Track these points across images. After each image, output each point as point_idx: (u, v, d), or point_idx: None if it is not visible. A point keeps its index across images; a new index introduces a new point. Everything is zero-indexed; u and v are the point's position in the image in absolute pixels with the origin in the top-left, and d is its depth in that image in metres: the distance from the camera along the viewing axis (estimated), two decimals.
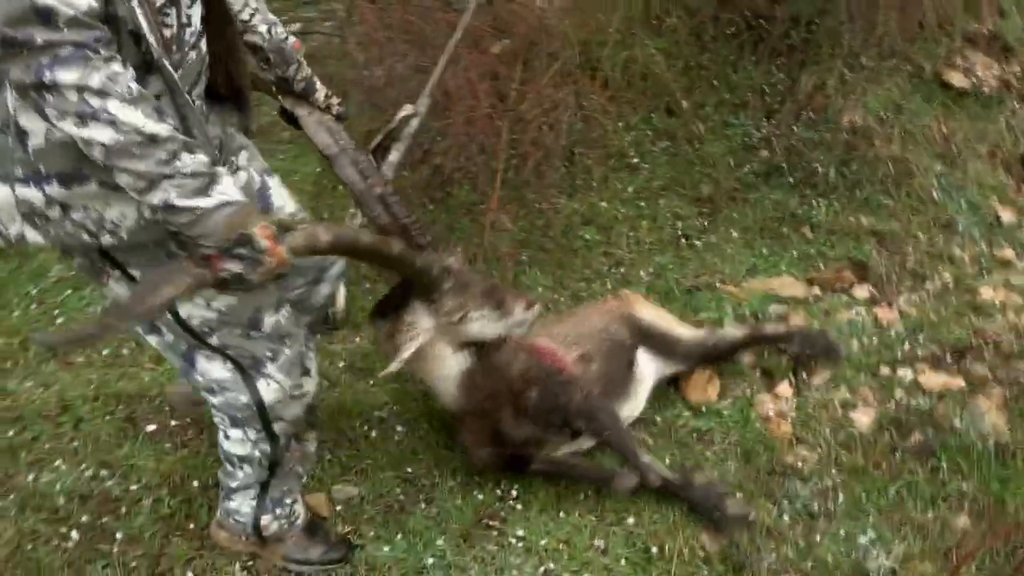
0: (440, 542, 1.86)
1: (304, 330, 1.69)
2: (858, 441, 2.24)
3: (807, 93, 3.61)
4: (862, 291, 2.92)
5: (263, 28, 1.63)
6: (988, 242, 3.06)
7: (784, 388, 2.50)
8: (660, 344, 2.36)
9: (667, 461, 2.19)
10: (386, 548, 1.82)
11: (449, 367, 1.90)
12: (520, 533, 1.95)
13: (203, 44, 1.43)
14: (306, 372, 1.63)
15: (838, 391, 2.46)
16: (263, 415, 1.57)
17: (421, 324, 1.80)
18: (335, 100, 1.84)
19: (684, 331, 2.45)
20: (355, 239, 1.55)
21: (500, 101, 3.18)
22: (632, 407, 2.28)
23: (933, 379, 2.38)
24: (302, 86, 1.76)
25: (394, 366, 1.75)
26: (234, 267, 1.25)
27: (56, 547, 1.68)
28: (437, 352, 1.86)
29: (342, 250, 1.61)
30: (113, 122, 1.15)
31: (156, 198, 1.22)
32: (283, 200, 1.80)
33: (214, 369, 1.53)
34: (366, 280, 2.79)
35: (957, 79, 3.54)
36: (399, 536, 1.87)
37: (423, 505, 1.99)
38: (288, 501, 1.78)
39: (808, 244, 3.16)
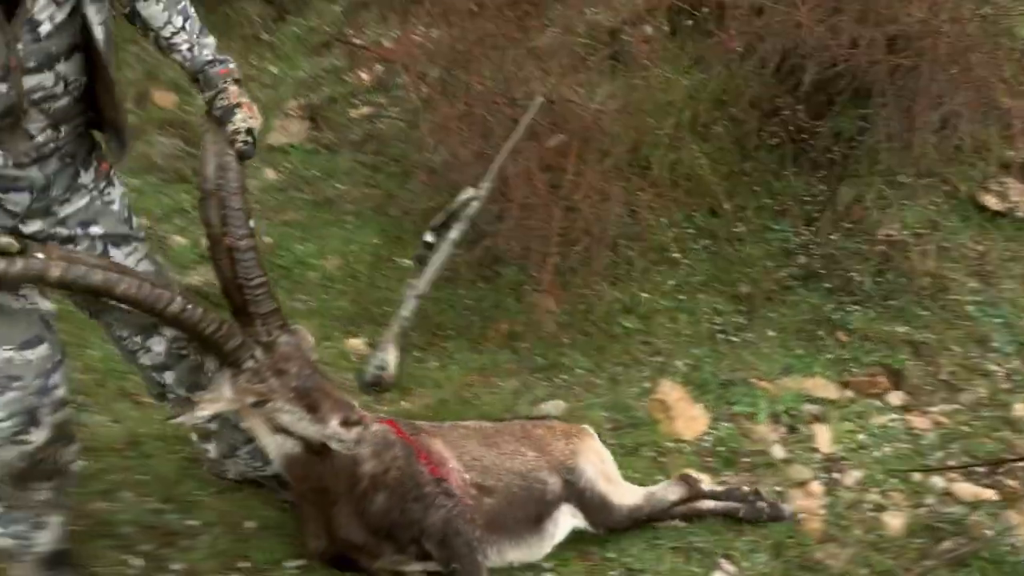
0: None
1: (56, 382, 1.64)
2: (889, 544, 2.27)
3: (846, 205, 3.78)
4: (895, 398, 2.98)
5: (184, 48, 1.68)
6: (1022, 359, 3.12)
7: (815, 486, 2.55)
8: (592, 507, 2.20)
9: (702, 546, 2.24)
10: None
11: (268, 445, 1.76)
12: None
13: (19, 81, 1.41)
14: (34, 423, 1.60)
15: (869, 493, 2.50)
16: None
17: (221, 390, 1.66)
18: (241, 137, 1.67)
19: (622, 497, 2.26)
20: (107, 285, 1.45)
21: (553, 190, 3.39)
22: (522, 554, 2.12)
23: (965, 489, 2.42)
24: (219, 113, 1.68)
25: (183, 420, 1.66)
26: None
27: (120, 572, 1.79)
28: (252, 425, 1.74)
29: (83, 290, 1.49)
30: None
31: None
32: (130, 256, 1.77)
33: None
34: (417, 348, 2.94)
35: (992, 202, 3.68)
36: None
37: None
38: (23, 526, 1.72)
39: (843, 348, 3.24)
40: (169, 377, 1.89)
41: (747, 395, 3.01)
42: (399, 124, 4.17)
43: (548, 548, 2.17)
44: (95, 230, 1.71)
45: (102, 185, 1.74)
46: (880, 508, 2.42)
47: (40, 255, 1.41)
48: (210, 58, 1.72)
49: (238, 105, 1.67)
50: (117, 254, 1.75)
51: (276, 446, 1.73)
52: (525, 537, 2.10)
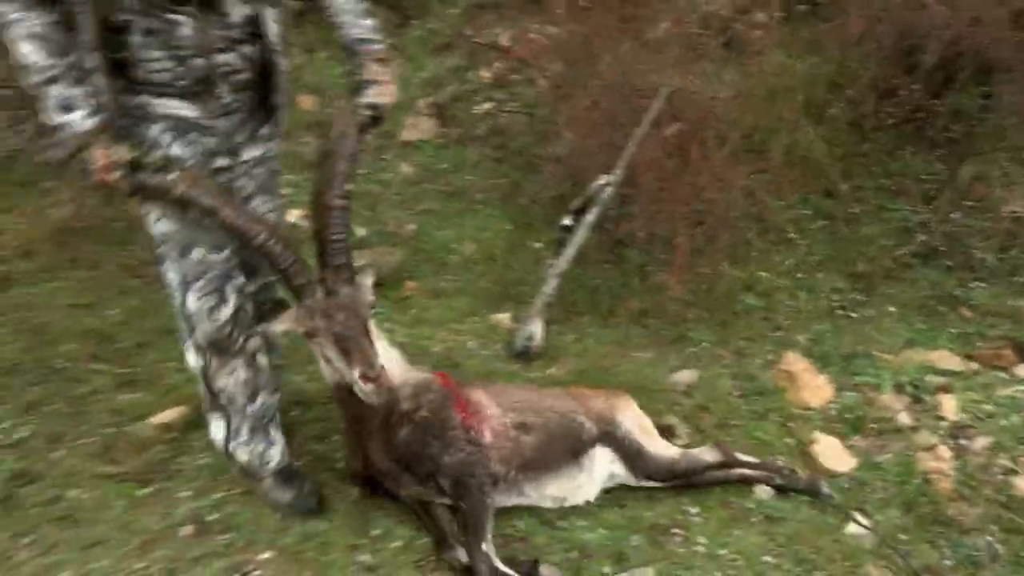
0: (635, 538, 2.20)
1: (236, 275, 2.02)
2: (1020, 504, 2.39)
3: (967, 183, 3.82)
4: (1022, 370, 3.04)
5: (343, 24, 1.96)
6: None
7: (944, 450, 2.68)
8: (629, 454, 2.36)
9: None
10: (590, 535, 2.18)
11: (322, 368, 1.98)
12: (702, 541, 2.25)
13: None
14: (223, 301, 1.99)
15: (999, 458, 2.61)
16: (188, 322, 1.99)
17: (289, 314, 1.90)
18: (363, 110, 1.95)
19: (658, 449, 2.42)
20: (212, 208, 1.75)
21: (676, 176, 3.58)
22: (560, 487, 2.28)
23: None
24: (354, 86, 1.98)
25: (265, 327, 1.96)
26: (76, 167, 1.69)
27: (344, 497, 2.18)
28: (312, 349, 1.95)
29: (198, 208, 1.78)
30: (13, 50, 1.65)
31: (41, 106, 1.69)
32: (261, 212, 2.09)
33: (167, 274, 1.97)
34: (555, 323, 3.21)
35: None
36: (600, 528, 2.22)
37: (617, 508, 2.33)
38: (258, 442, 2.09)
39: (966, 323, 3.31)
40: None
41: (870, 367, 3.13)
42: (520, 118, 4.45)
43: (586, 486, 2.31)
44: (257, 172, 2.07)
45: (272, 142, 2.10)
46: (1011, 472, 2.52)
47: (173, 176, 1.76)
48: (360, 36, 1.97)
49: (373, 81, 1.96)
50: (258, 201, 2.10)
51: (326, 372, 1.98)
52: (563, 469, 2.27)
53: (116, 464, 2.13)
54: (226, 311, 2.01)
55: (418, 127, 4.53)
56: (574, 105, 3.60)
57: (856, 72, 4.09)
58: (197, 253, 1.95)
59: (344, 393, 1.94)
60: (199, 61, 1.81)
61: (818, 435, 2.75)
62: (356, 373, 1.82)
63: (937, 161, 3.95)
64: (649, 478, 2.40)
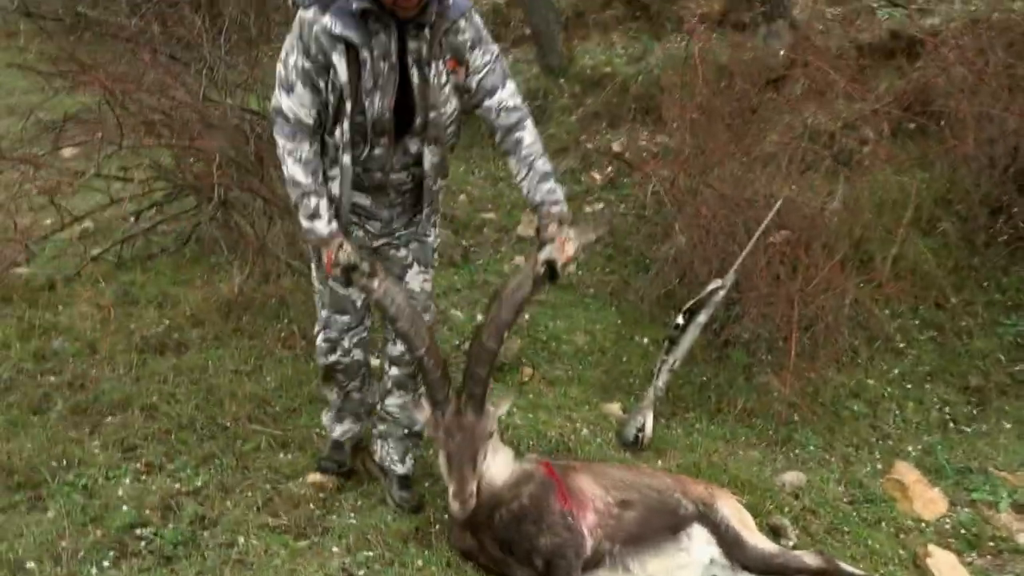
0: None
1: (358, 330, 2.50)
2: None
3: None
4: None
5: (524, 186, 2.28)
6: None
7: None
8: (727, 540, 2.44)
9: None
10: None
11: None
12: None
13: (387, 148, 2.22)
14: (333, 350, 2.49)
15: None
16: (318, 345, 2.54)
17: (420, 412, 2.31)
18: (539, 268, 2.20)
19: (756, 540, 2.48)
20: (393, 316, 2.17)
21: (782, 283, 3.72)
22: (662, 566, 2.38)
23: None
24: (538, 243, 2.27)
25: (412, 409, 2.41)
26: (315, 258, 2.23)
27: None
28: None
29: (380, 309, 2.24)
30: (284, 168, 2.16)
31: (297, 213, 2.19)
32: (414, 285, 2.48)
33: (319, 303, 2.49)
34: (663, 417, 3.35)
35: None
36: None
37: None
38: (330, 417, 2.63)
39: None
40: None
41: (986, 483, 3.11)
42: (630, 219, 4.73)
43: (687, 567, 2.40)
44: (412, 246, 2.48)
45: (428, 225, 2.49)
46: None
47: (377, 281, 2.19)
48: (545, 198, 2.27)
49: (552, 240, 2.23)
50: (414, 271, 2.50)
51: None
52: (663, 545, 2.39)
53: (276, 517, 2.40)
54: (334, 357, 2.52)
55: (534, 223, 4.84)
56: (686, 211, 3.84)
57: (967, 189, 4.19)
58: (326, 312, 2.49)
59: None
60: (379, 175, 2.30)
61: (933, 548, 2.75)
62: (450, 490, 2.16)
63: None
64: (745, 568, 2.46)
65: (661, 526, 2.43)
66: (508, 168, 2.34)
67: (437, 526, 2.47)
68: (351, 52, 2.07)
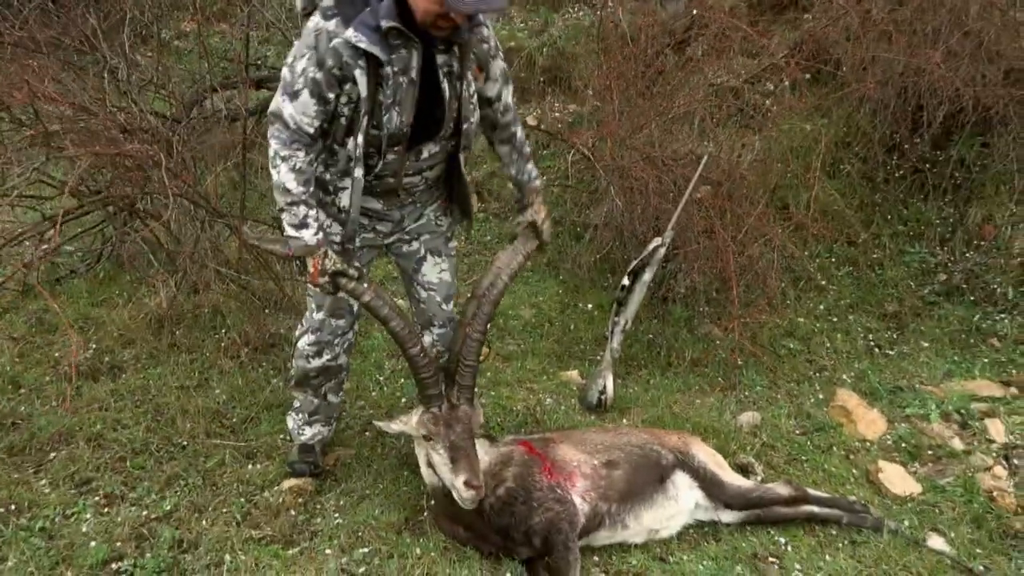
0: (738, 567, 2.38)
1: (342, 340, 2.47)
2: None
3: (977, 224, 4.16)
4: None
5: (515, 171, 2.41)
6: None
7: (999, 470, 2.90)
8: (705, 479, 2.56)
9: (906, 523, 2.62)
10: (699, 566, 2.36)
11: (422, 470, 2.36)
12: (797, 568, 2.43)
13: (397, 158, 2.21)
14: (318, 355, 2.45)
15: None
16: (295, 344, 2.50)
17: (411, 417, 2.30)
18: (529, 224, 2.42)
19: (733, 479, 2.63)
20: (385, 317, 2.16)
21: (709, 236, 3.87)
22: (655, 517, 2.48)
23: None
24: (520, 208, 2.47)
25: (382, 426, 2.36)
26: (300, 267, 2.18)
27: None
28: (417, 451, 2.35)
29: (372, 312, 2.20)
30: (275, 173, 2.09)
31: (282, 219, 2.15)
32: (431, 274, 2.49)
33: (312, 307, 2.44)
34: (618, 377, 3.43)
35: None
36: (705, 559, 2.40)
37: (714, 542, 2.52)
38: (300, 421, 2.58)
39: (998, 352, 3.58)
40: None
41: (916, 399, 3.37)
42: (554, 190, 4.77)
43: (677, 516, 2.51)
44: (424, 238, 2.46)
45: (439, 214, 2.45)
46: None
47: (365, 285, 2.19)
48: (526, 178, 2.44)
49: (532, 205, 2.44)
50: (429, 263, 2.48)
51: (426, 474, 2.34)
52: (653, 496, 2.48)
53: (259, 529, 2.30)
54: (320, 361, 2.46)
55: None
56: (616, 175, 3.92)
57: (864, 131, 4.48)
58: (319, 315, 2.42)
59: (440, 495, 2.30)
60: (391, 180, 2.26)
61: (883, 463, 2.97)
62: (461, 479, 2.14)
63: (946, 207, 4.30)
64: (728, 506, 2.57)
65: (648, 479, 2.50)
66: (498, 153, 2.44)
67: (425, 514, 2.44)
68: (372, 67, 2.00)
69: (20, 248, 3.64)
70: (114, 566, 2.10)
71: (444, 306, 2.54)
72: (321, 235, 2.13)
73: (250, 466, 2.62)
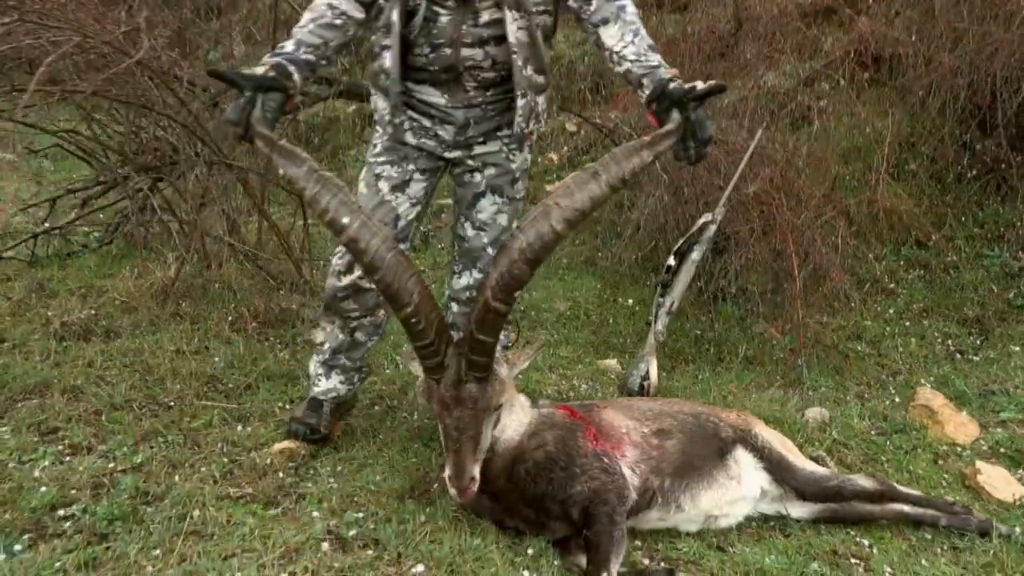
0: (815, 564, 1.94)
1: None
2: None
3: None
4: None
5: (631, 59, 1.84)
6: None
7: None
8: (772, 461, 2.15)
9: (1018, 530, 2.15)
10: (767, 559, 1.92)
11: None
12: (888, 571, 1.98)
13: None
14: (349, 270, 2.10)
15: None
16: (332, 265, 2.18)
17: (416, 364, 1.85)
18: (701, 89, 1.72)
19: (804, 462, 2.22)
20: (372, 262, 1.64)
21: (763, 234, 3.51)
22: (714, 500, 2.07)
23: None
24: (679, 91, 1.74)
25: (404, 359, 1.96)
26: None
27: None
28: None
29: (355, 254, 1.71)
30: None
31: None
32: (485, 215, 2.16)
33: None
34: (663, 369, 3.05)
35: None
36: (774, 553, 1.96)
37: (782, 537, 2.08)
38: (320, 363, 2.27)
39: None
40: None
41: (1012, 403, 2.92)
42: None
43: (739, 498, 2.08)
44: (488, 172, 2.13)
45: (513, 145, 2.13)
46: None
47: (350, 220, 1.65)
48: (657, 63, 1.84)
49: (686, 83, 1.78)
50: (488, 200, 2.15)
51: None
52: (712, 474, 2.07)
53: (238, 488, 1.96)
54: (347, 279, 2.13)
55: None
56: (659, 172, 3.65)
57: (930, 130, 4.14)
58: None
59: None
60: (448, 51, 1.97)
61: (982, 465, 2.50)
62: (447, 473, 1.75)
63: None
64: (800, 495, 2.14)
65: (706, 452, 2.10)
66: (602, 43, 1.89)
67: (436, 485, 2.07)
68: None
69: (30, 215, 3.49)
70: (61, 512, 1.78)
71: (490, 250, 2.19)
72: (268, 70, 1.77)
73: (240, 428, 2.30)
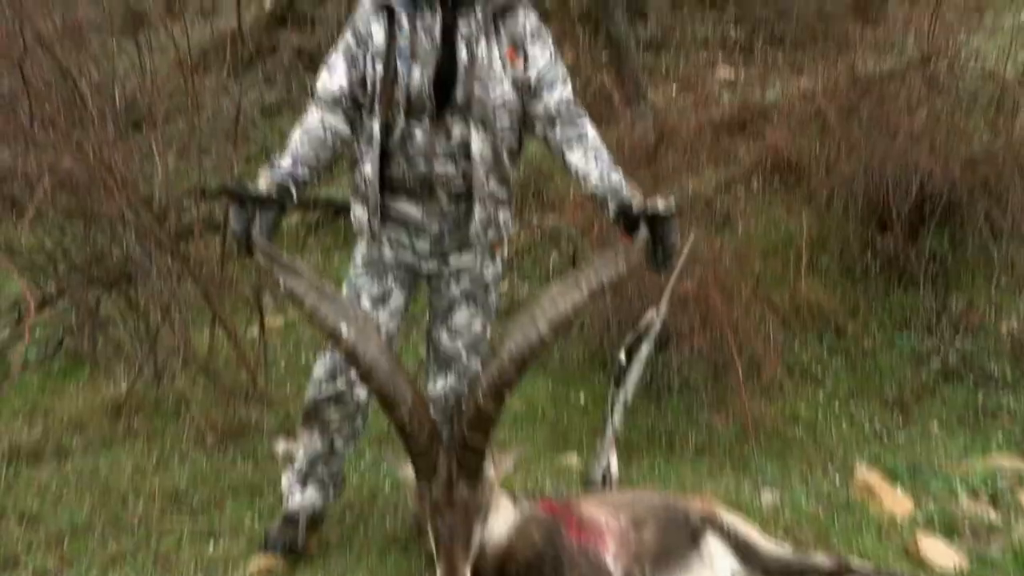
0: None
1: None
2: None
3: (961, 311, 4.16)
4: None
5: (594, 179, 2.02)
6: None
7: None
8: (738, 543, 2.24)
9: None
10: None
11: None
12: None
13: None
14: (332, 378, 2.19)
15: None
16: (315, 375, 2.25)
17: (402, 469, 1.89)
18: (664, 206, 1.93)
19: (767, 542, 2.32)
20: (368, 367, 1.70)
21: (700, 328, 3.76)
22: None
23: None
24: (639, 208, 1.96)
25: (391, 464, 2.01)
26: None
27: None
28: None
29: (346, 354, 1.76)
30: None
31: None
32: (460, 322, 2.27)
33: None
34: (622, 460, 3.16)
35: None
36: None
37: None
38: (295, 476, 2.28)
39: (1012, 425, 3.43)
40: None
41: (938, 477, 3.16)
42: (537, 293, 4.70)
43: None
44: (463, 282, 2.25)
45: (486, 256, 2.25)
46: None
47: (344, 327, 1.72)
48: (619, 182, 2.04)
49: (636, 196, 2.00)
50: (462, 309, 2.26)
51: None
52: (688, 559, 2.15)
53: None
54: (332, 386, 2.20)
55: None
56: None
57: (834, 229, 4.60)
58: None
59: None
60: (422, 165, 2.10)
61: (921, 537, 2.69)
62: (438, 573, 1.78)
63: (927, 296, 4.32)
64: (765, 573, 2.23)
65: (680, 539, 2.18)
66: (569, 165, 2.07)
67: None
68: (390, 18, 2.03)
69: None
70: None
71: (464, 355, 2.30)
72: (267, 188, 1.92)
73: (211, 545, 2.24)
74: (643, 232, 1.93)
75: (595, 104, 5.93)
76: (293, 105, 6.87)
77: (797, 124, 4.84)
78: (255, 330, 3.47)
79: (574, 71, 2.32)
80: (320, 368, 2.22)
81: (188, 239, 3.92)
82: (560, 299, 1.80)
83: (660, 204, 1.94)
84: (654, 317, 3.38)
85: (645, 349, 3.33)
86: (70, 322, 3.46)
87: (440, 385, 2.33)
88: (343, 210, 5.21)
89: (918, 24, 5.36)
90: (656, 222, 1.94)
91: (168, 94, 3.79)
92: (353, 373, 2.14)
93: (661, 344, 3.69)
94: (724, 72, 6.19)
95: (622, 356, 3.32)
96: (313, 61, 7.26)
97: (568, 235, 4.81)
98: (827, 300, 4.33)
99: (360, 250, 2.25)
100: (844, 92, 4.78)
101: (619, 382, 3.28)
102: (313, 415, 2.22)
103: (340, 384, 2.19)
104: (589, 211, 4.28)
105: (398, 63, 2.01)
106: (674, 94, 5.87)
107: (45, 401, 3.09)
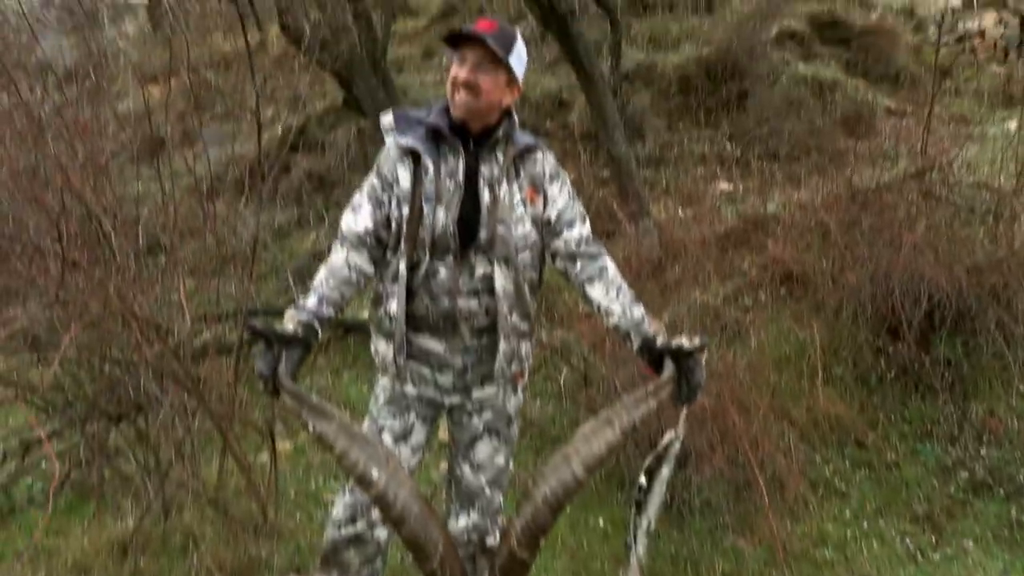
0: None
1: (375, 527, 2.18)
2: None
3: (982, 420, 4.09)
4: None
5: (617, 313, 2.05)
6: None
7: None
8: None
9: None
10: None
11: None
12: None
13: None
14: (351, 521, 2.18)
15: None
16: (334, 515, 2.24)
17: None
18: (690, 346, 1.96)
19: None
20: (399, 515, 1.64)
21: (719, 445, 3.70)
22: None
23: None
24: (664, 345, 2.01)
25: None
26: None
27: None
28: None
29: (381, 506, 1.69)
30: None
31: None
32: (483, 456, 2.23)
33: None
34: None
35: None
36: None
37: None
38: None
39: None
40: None
41: None
42: (548, 409, 4.65)
43: None
44: (486, 415, 2.24)
45: (508, 388, 2.23)
46: None
47: (375, 473, 1.66)
48: (640, 317, 2.06)
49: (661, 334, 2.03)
50: (485, 442, 2.23)
51: None
52: None
53: None
54: (353, 528, 2.17)
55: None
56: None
57: (846, 338, 4.59)
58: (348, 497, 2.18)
59: None
60: (446, 302, 2.11)
61: None
62: None
63: (946, 405, 4.26)
64: None
65: None
66: (591, 299, 2.11)
67: None
68: (415, 162, 2.09)
69: None
70: None
71: (488, 490, 2.25)
72: (294, 328, 1.93)
73: None
74: (670, 368, 1.94)
75: (599, 219, 6.11)
76: (303, 226, 7.08)
77: (799, 235, 4.94)
78: (264, 455, 3.41)
79: (577, 188, 2.37)
80: (340, 508, 2.17)
81: (201, 361, 3.93)
82: (593, 439, 1.78)
83: (685, 341, 1.95)
84: (673, 438, 3.34)
85: (666, 471, 3.26)
86: (78, 455, 3.40)
87: (463, 523, 2.27)
88: (352, 329, 5.33)
89: (906, 137, 5.61)
90: (682, 358, 1.94)
91: (184, 218, 3.87)
92: (374, 514, 2.12)
93: (680, 463, 3.62)
94: (724, 185, 6.39)
95: (642, 479, 3.25)
96: (323, 183, 7.55)
97: (579, 352, 4.81)
98: (845, 411, 4.27)
99: (382, 385, 2.24)
100: (844, 204, 4.93)
101: (640, 507, 3.19)
102: (332, 557, 2.15)
103: (360, 526, 2.14)
104: (598, 325, 4.32)
105: (424, 205, 2.06)
106: (679, 211, 6.02)
107: (48, 542, 2.99)
